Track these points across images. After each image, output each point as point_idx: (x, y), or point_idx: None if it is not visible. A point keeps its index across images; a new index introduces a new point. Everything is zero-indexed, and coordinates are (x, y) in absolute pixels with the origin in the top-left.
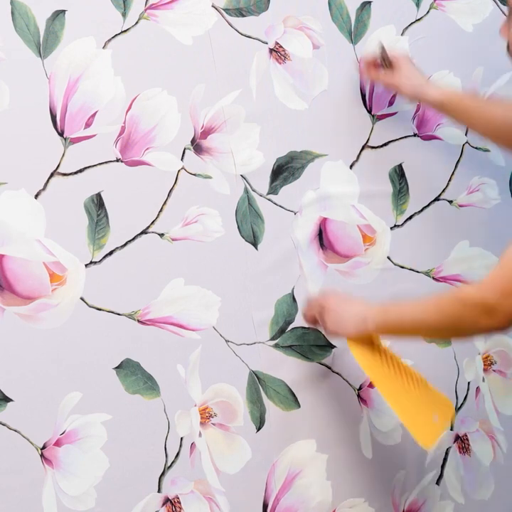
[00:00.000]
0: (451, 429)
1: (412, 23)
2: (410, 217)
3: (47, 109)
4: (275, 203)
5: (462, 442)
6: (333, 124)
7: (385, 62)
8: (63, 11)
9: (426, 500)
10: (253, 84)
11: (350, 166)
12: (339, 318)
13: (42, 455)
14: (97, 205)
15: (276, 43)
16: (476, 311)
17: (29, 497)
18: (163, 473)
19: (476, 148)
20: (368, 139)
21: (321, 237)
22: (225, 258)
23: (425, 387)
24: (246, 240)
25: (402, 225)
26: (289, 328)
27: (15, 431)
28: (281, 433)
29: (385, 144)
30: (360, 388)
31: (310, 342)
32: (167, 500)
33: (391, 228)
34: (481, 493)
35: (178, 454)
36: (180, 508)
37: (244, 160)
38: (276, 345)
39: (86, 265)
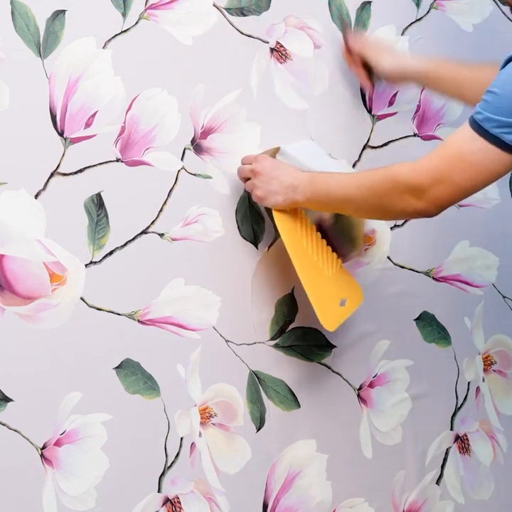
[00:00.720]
0: (452, 429)
1: (412, 23)
2: None
3: (47, 109)
4: None
5: (462, 442)
6: (333, 123)
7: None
8: (63, 11)
9: (426, 500)
10: (254, 83)
11: (353, 166)
12: (269, 186)
13: (42, 455)
14: (97, 205)
15: (278, 43)
16: (406, 191)
17: (29, 497)
18: (163, 473)
19: None
20: (368, 139)
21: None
22: (225, 258)
23: (339, 270)
24: (246, 240)
25: (403, 225)
26: (289, 328)
27: (15, 431)
28: (281, 433)
29: (385, 144)
30: (360, 388)
31: (310, 342)
32: (167, 500)
33: (391, 228)
34: (481, 493)
35: (178, 454)
36: (180, 508)
37: None
38: (276, 345)
39: (86, 265)
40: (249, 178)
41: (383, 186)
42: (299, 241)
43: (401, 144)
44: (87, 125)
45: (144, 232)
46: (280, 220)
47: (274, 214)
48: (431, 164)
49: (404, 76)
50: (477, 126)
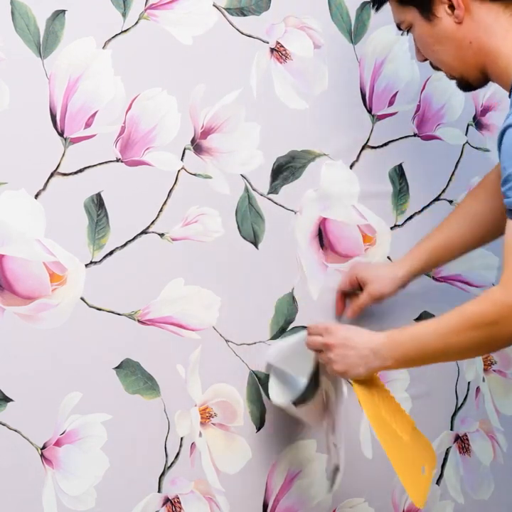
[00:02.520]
0: (452, 429)
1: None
2: (410, 217)
3: (47, 109)
4: (275, 203)
5: (462, 442)
6: (333, 123)
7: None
8: (63, 11)
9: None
10: (254, 83)
11: (351, 166)
12: (347, 359)
13: (42, 455)
14: (97, 205)
15: (277, 43)
16: (509, 315)
17: (29, 497)
18: (163, 473)
19: (476, 148)
20: (368, 139)
21: (321, 236)
22: (225, 258)
23: (413, 431)
24: (246, 240)
25: (402, 225)
26: (289, 328)
27: (15, 431)
28: (281, 433)
29: (385, 144)
30: None
31: None
32: (167, 500)
33: (391, 228)
34: (481, 493)
35: (178, 454)
36: (180, 508)
37: (245, 159)
38: None
39: (86, 265)
40: (321, 350)
41: (488, 317)
42: (378, 410)
43: (401, 143)
44: (87, 125)
45: (144, 232)
46: (361, 392)
47: (355, 387)
48: None
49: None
50: None
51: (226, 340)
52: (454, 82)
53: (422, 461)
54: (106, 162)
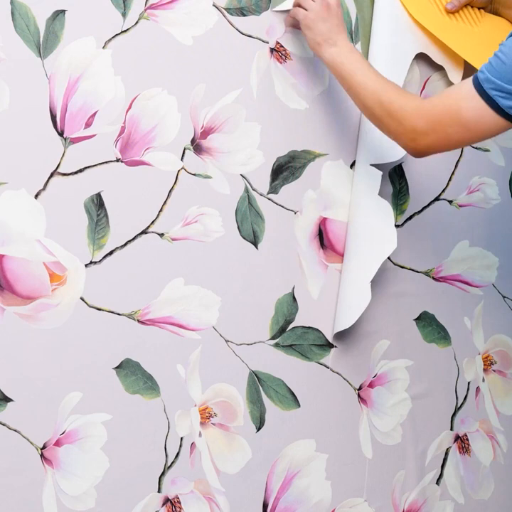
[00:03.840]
0: (452, 429)
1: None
2: (410, 217)
3: (47, 109)
4: (275, 203)
5: (462, 442)
6: (333, 123)
7: None
8: (63, 11)
9: (426, 500)
10: (254, 83)
11: (351, 166)
12: (311, 30)
13: (42, 455)
14: (97, 205)
15: (277, 43)
16: (403, 127)
17: (29, 497)
18: (163, 473)
19: (476, 148)
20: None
21: (322, 236)
22: (225, 258)
23: (485, 17)
24: (246, 240)
25: (402, 225)
26: (289, 328)
27: (15, 431)
28: (281, 433)
29: None
30: (360, 388)
31: (310, 341)
32: (167, 500)
33: None
34: (481, 493)
35: (178, 454)
36: (180, 508)
37: (245, 159)
38: (276, 345)
39: (86, 265)
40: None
41: (389, 109)
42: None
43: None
44: (87, 125)
45: (144, 232)
46: None
47: None
48: (432, 111)
49: None
50: (478, 85)
51: (226, 340)
52: None
53: (500, 38)
54: (106, 162)
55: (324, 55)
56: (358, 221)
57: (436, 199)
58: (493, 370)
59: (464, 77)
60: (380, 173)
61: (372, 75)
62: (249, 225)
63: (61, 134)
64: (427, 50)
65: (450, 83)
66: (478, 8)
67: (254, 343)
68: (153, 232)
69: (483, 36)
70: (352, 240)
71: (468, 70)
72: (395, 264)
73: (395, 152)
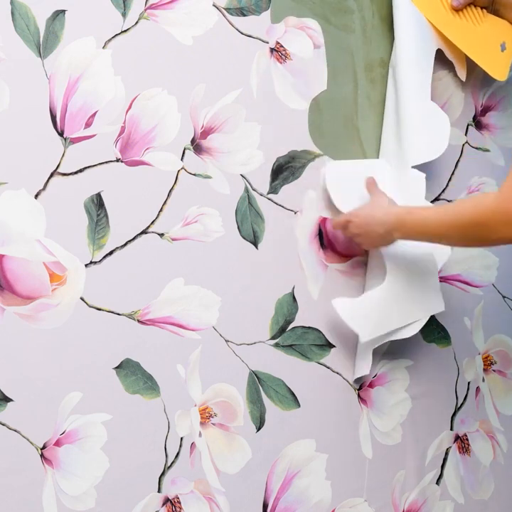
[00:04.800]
0: (451, 429)
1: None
2: None
3: (47, 109)
4: (275, 203)
5: (462, 442)
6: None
7: None
8: (63, 11)
9: (426, 500)
10: (253, 83)
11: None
12: (368, 239)
13: (42, 455)
14: (97, 205)
15: (277, 43)
16: (500, 222)
17: (29, 497)
18: (163, 473)
19: (476, 148)
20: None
21: (322, 236)
22: (225, 258)
23: (488, 17)
24: (246, 240)
25: None
26: (289, 328)
27: (15, 431)
28: (281, 433)
29: None
30: (360, 388)
31: (310, 341)
32: (167, 500)
33: None
34: (481, 493)
35: (178, 454)
36: (180, 508)
37: (245, 159)
38: (276, 345)
39: (86, 265)
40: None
41: (477, 221)
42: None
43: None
44: (87, 125)
45: (144, 232)
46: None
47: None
48: None
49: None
50: None
51: (226, 340)
52: None
53: (500, 38)
54: (106, 162)
55: (398, 240)
56: None
57: (436, 199)
58: (493, 370)
59: (467, 75)
60: (424, 175)
61: (435, 213)
62: (249, 225)
63: (61, 134)
64: (442, 46)
65: (450, 83)
66: (481, 8)
67: (254, 343)
68: (153, 232)
69: (485, 36)
70: (400, 253)
71: (470, 69)
72: None
73: (435, 148)
